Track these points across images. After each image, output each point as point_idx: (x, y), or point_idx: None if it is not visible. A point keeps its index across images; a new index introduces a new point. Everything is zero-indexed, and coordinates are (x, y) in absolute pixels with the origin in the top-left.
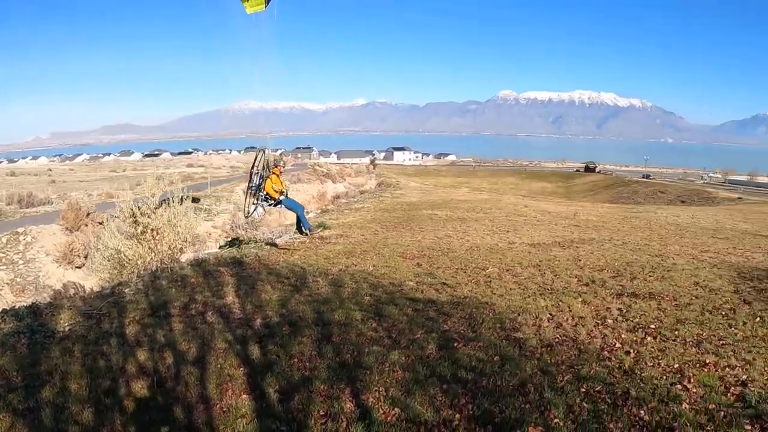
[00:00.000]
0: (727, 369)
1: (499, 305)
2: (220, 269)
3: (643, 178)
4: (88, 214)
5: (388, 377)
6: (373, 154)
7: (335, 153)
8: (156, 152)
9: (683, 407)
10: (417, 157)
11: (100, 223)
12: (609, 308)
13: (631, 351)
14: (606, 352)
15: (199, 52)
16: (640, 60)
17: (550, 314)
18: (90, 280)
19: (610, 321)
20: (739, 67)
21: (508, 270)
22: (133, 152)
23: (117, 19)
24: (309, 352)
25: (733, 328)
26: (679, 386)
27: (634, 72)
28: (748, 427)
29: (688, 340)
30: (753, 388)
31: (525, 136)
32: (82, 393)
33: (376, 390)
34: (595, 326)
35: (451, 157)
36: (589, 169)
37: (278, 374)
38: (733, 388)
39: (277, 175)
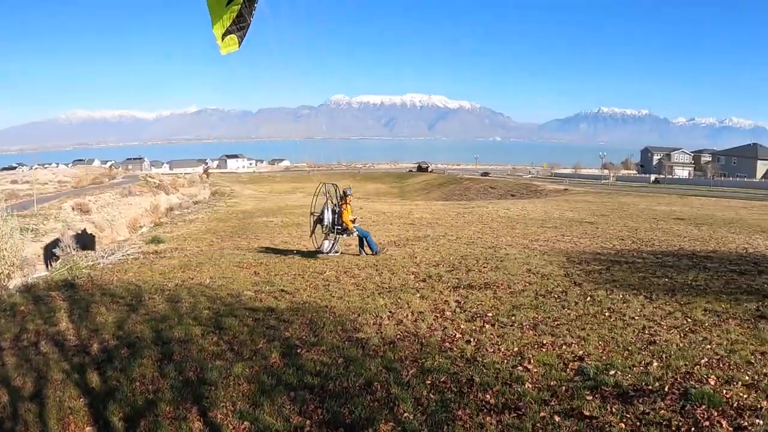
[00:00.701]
0: (564, 347)
1: (338, 308)
2: (51, 294)
3: (481, 175)
4: None
5: (234, 391)
6: (207, 163)
7: (167, 163)
8: None
9: (526, 387)
10: (251, 164)
11: None
12: (447, 301)
13: (472, 340)
14: (447, 344)
15: (22, 55)
16: (468, 64)
17: (390, 312)
18: None
19: (448, 313)
20: (560, 69)
21: (345, 272)
22: None
23: None
24: (151, 374)
25: (566, 309)
26: (520, 368)
27: (463, 75)
28: (589, 398)
29: (524, 324)
30: (590, 362)
31: (358, 139)
32: None
33: (223, 405)
34: (434, 319)
35: (285, 163)
36: (421, 169)
37: (121, 400)
38: (571, 363)
39: (349, 205)
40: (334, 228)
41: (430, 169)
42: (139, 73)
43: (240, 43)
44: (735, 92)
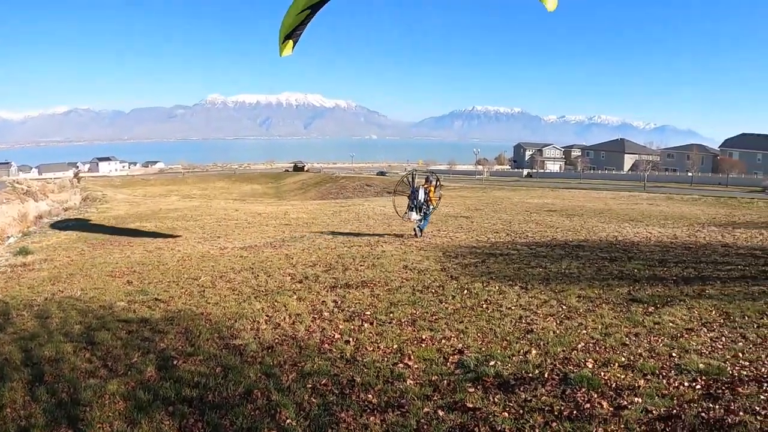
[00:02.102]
0: (443, 341)
1: (215, 314)
2: None
3: (378, 174)
4: None
5: (110, 410)
6: (77, 167)
7: (36, 167)
8: None
9: (408, 383)
10: (124, 166)
11: None
12: (324, 301)
13: (351, 340)
14: (326, 345)
15: None
16: (345, 62)
17: (267, 316)
18: None
19: (326, 314)
20: (435, 68)
21: (221, 276)
22: None
23: None
24: (22, 398)
25: (443, 303)
26: (401, 365)
27: (339, 74)
28: (472, 390)
29: (403, 320)
30: (470, 354)
31: (233, 140)
32: None
33: (99, 426)
34: (312, 321)
35: (160, 165)
36: (297, 168)
37: None
38: (451, 357)
39: (433, 187)
40: (422, 205)
41: (306, 169)
42: (4, 71)
43: (293, 47)
44: (603, 91)
